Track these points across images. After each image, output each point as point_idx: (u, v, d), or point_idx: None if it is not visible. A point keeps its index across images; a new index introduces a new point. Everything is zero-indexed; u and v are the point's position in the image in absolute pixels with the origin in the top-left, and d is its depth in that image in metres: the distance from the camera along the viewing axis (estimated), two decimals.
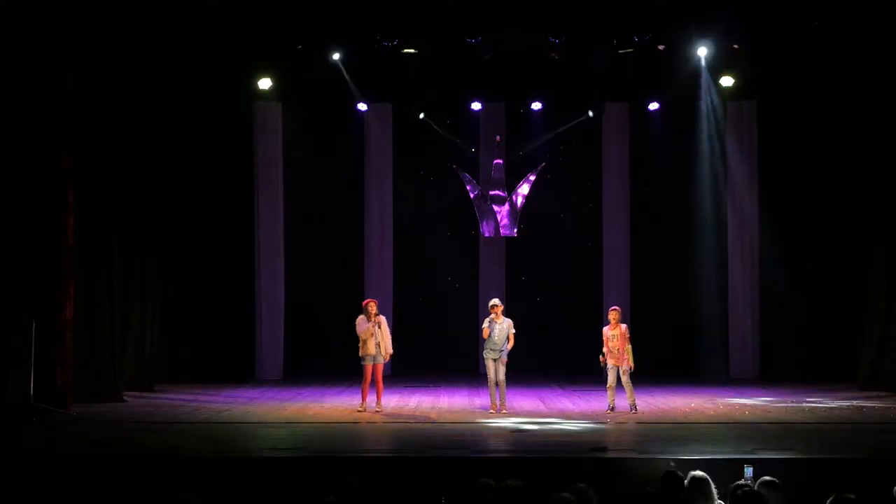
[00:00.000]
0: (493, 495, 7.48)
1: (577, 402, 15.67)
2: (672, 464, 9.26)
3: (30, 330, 13.67)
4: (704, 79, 18.50)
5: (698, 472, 7.70)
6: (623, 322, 14.28)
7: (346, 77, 18.52)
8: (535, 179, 19.22)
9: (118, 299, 16.16)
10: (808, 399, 15.80)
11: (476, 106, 20.12)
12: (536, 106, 19.99)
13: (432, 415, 14.21)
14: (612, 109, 20.42)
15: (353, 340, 14.36)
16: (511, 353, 14.29)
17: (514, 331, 14.18)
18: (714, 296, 19.97)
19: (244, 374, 18.93)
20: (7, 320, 13.70)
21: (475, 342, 18.45)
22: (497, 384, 14.19)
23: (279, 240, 20.02)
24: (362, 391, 14.39)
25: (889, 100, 16.59)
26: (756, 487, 7.63)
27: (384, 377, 14.88)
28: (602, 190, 20.63)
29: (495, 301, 14.37)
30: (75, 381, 14.37)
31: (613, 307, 14.48)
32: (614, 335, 14.06)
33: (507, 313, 14.43)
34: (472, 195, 19.34)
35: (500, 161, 19.21)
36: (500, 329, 14.12)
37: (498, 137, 19.59)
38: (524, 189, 19.21)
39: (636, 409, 14.02)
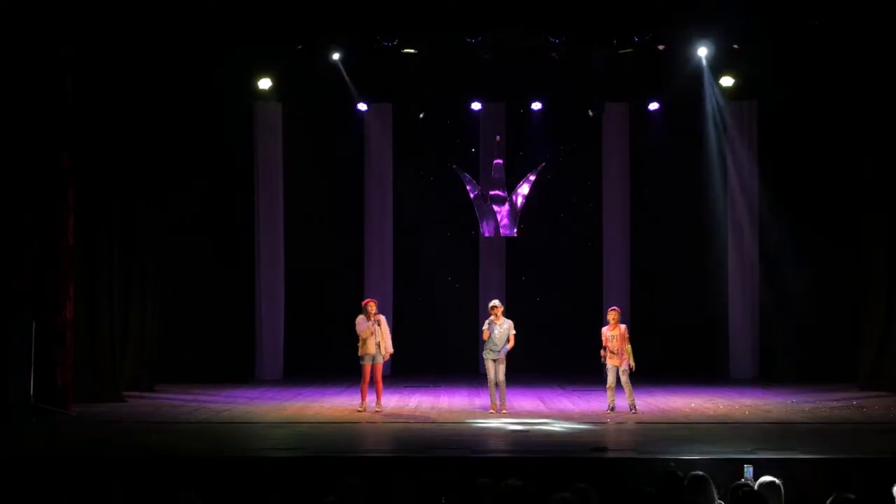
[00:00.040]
0: (493, 495, 7.48)
1: (577, 402, 15.67)
2: (672, 464, 9.25)
3: (30, 330, 13.68)
4: (707, 81, 18.47)
5: (698, 472, 7.70)
6: (622, 322, 14.28)
7: (346, 77, 18.52)
8: (535, 179, 19.21)
9: (118, 299, 16.17)
10: (808, 399, 15.79)
11: (476, 106, 20.13)
12: (536, 106, 20.00)
13: (432, 415, 14.21)
14: (612, 109, 20.43)
15: (354, 340, 14.36)
16: (511, 353, 14.29)
17: (514, 332, 14.18)
18: (714, 296, 19.97)
19: (244, 374, 18.93)
20: (7, 320, 13.71)
21: (475, 342, 18.45)
22: (497, 384, 14.20)
23: (279, 240, 20.02)
24: (361, 391, 14.39)
25: (889, 100, 16.59)
26: (756, 487, 7.63)
27: (384, 377, 14.88)
28: (602, 190, 20.63)
29: (495, 302, 14.37)
30: (75, 381, 14.38)
31: (613, 307, 14.48)
32: (613, 335, 14.06)
33: (507, 313, 14.43)
34: (472, 195, 19.34)
35: (500, 161, 19.21)
36: (500, 330, 14.12)
37: (498, 137, 19.59)
38: (524, 189, 19.20)
39: (635, 410, 14.02)
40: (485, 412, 14.21)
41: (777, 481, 7.76)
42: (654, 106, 19.90)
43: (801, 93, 18.13)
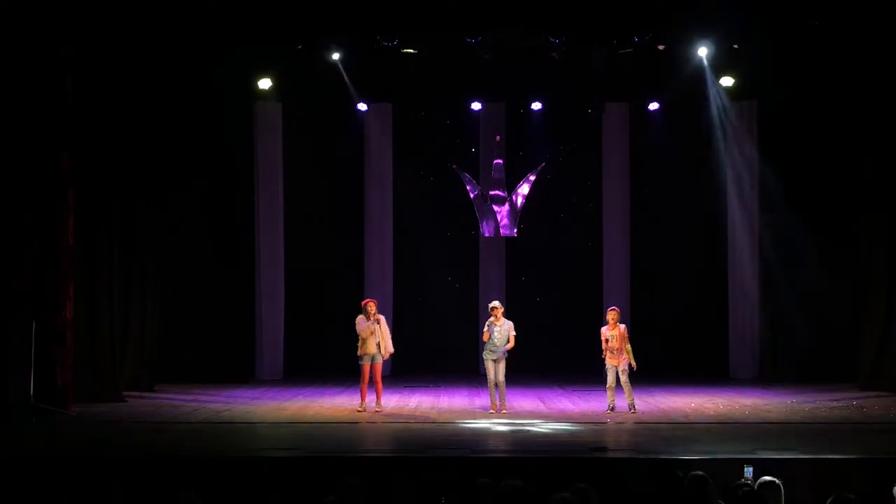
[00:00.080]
0: (493, 495, 7.49)
1: (577, 402, 15.67)
2: (680, 472, 9.20)
3: (30, 330, 13.67)
4: (711, 84, 18.44)
5: (698, 472, 7.70)
6: (622, 322, 14.28)
7: (346, 78, 18.51)
8: (535, 179, 19.21)
9: (118, 299, 16.16)
10: (808, 399, 15.79)
11: (476, 106, 20.13)
12: (536, 106, 20.01)
13: (432, 415, 14.21)
14: (612, 109, 20.44)
15: (353, 340, 14.35)
16: (511, 353, 14.28)
17: (514, 333, 14.17)
18: (714, 296, 19.97)
19: (244, 374, 18.92)
20: (7, 320, 13.71)
21: (475, 342, 18.45)
22: (497, 385, 14.19)
23: (279, 240, 20.02)
24: (361, 391, 14.39)
25: (889, 100, 16.59)
26: (756, 487, 7.64)
27: (383, 377, 14.88)
28: (602, 190, 20.64)
29: (495, 303, 14.37)
30: (75, 381, 14.37)
31: (612, 307, 14.48)
32: (613, 335, 14.06)
33: (507, 313, 14.42)
34: (472, 195, 19.34)
35: (500, 161, 19.21)
36: (499, 331, 14.12)
37: (498, 137, 19.59)
38: (524, 189, 19.20)
39: (634, 409, 14.02)
40: (485, 412, 14.21)
41: (777, 481, 7.76)
42: (654, 106, 19.91)
43: (801, 93, 18.13)
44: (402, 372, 19.07)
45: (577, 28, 17.11)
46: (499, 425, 13.01)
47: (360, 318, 14.21)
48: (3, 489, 9.47)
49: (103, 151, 15.57)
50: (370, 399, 14.43)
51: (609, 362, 14.08)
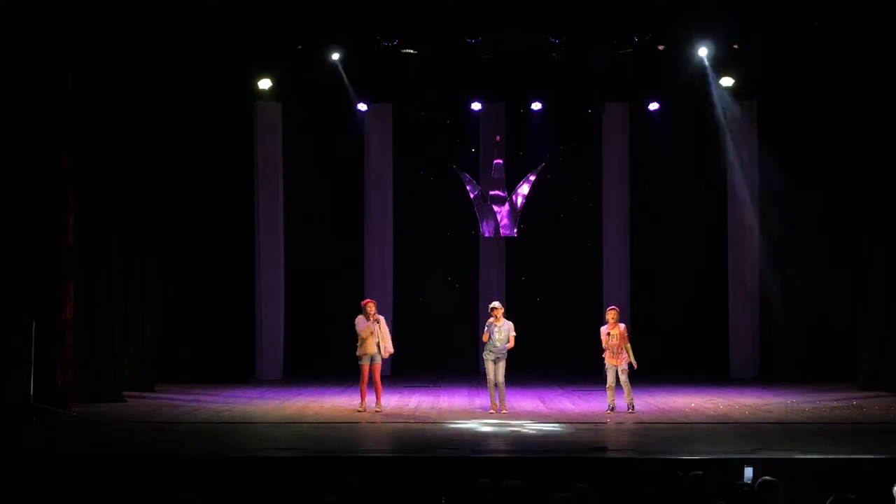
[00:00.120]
0: (493, 495, 7.49)
1: (577, 402, 15.67)
2: (677, 471, 9.19)
3: (30, 330, 13.67)
4: (712, 80, 18.42)
5: (698, 472, 7.69)
6: (621, 321, 14.28)
7: (345, 78, 18.51)
8: (535, 179, 19.21)
9: (118, 299, 16.16)
10: (808, 399, 15.79)
11: (476, 106, 20.13)
12: (536, 106, 20.01)
13: (432, 415, 14.20)
14: (612, 109, 20.44)
15: (354, 340, 14.34)
16: (511, 353, 14.27)
17: (514, 333, 14.16)
18: (714, 296, 19.97)
19: (244, 374, 18.92)
20: (7, 320, 13.70)
21: (475, 342, 18.45)
22: (496, 385, 14.19)
23: (279, 240, 20.01)
24: (361, 391, 14.39)
25: (889, 100, 16.59)
26: (756, 487, 7.64)
27: (383, 377, 14.89)
28: (602, 190, 20.64)
29: (495, 304, 14.36)
30: (75, 381, 14.37)
31: (612, 307, 14.48)
32: (613, 335, 14.06)
33: (507, 313, 14.41)
34: (472, 195, 19.33)
35: (500, 161, 19.21)
36: (499, 332, 14.11)
37: (498, 137, 19.59)
38: (524, 189, 19.19)
39: (633, 409, 14.03)
40: (485, 412, 14.21)
41: (777, 481, 7.76)
42: (654, 106, 19.91)
43: (801, 93, 18.13)
44: (402, 372, 19.07)
45: (577, 28, 17.11)
46: (499, 425, 13.01)
47: (360, 319, 14.21)
48: (3, 489, 9.47)
49: (103, 151, 15.56)
50: (370, 399, 14.43)
51: (609, 362, 14.08)
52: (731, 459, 9.97)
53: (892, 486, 7.86)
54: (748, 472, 8.81)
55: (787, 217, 18.84)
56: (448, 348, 20.26)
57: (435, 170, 20.58)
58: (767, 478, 7.82)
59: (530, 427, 12.88)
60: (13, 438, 11.87)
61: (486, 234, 19.61)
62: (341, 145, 20.34)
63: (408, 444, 11.87)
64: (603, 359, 14.18)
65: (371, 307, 14.25)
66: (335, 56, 17.93)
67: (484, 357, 14.34)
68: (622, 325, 14.15)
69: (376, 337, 14.16)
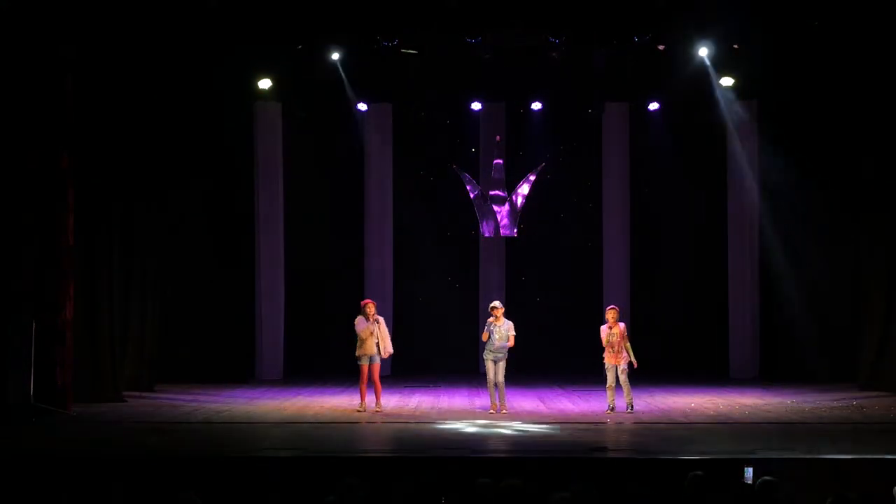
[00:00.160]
0: (493, 495, 7.49)
1: (577, 402, 15.67)
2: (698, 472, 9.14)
3: (30, 330, 13.67)
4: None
5: (698, 472, 7.70)
6: (621, 321, 14.28)
7: (345, 78, 18.50)
8: (535, 179, 19.20)
9: (118, 299, 16.16)
10: (808, 399, 15.79)
11: (476, 106, 20.13)
12: (536, 106, 20.01)
13: (432, 415, 14.20)
14: (612, 109, 20.44)
15: (354, 340, 14.33)
16: (511, 353, 14.26)
17: (514, 333, 14.15)
18: (714, 296, 19.97)
19: (244, 374, 18.92)
20: (7, 320, 13.71)
21: (475, 342, 18.45)
22: (496, 385, 14.19)
23: (279, 240, 20.01)
24: (360, 391, 14.39)
25: (889, 100, 16.59)
26: (756, 487, 7.64)
27: (383, 377, 14.89)
28: (602, 190, 20.64)
29: (496, 303, 14.36)
30: (75, 381, 14.37)
31: (611, 306, 14.48)
32: (613, 334, 14.06)
33: (507, 313, 14.39)
34: (472, 195, 19.32)
35: (500, 161, 19.21)
36: (499, 331, 14.10)
37: (498, 137, 19.59)
38: (524, 189, 19.19)
39: (632, 409, 14.04)
40: (485, 412, 14.20)
41: (776, 481, 7.77)
42: (654, 106, 19.91)
43: (801, 93, 18.13)
44: (402, 372, 19.06)
45: (577, 28, 17.11)
46: (499, 425, 13.01)
47: (360, 319, 14.22)
48: (3, 489, 9.47)
49: (103, 151, 15.56)
50: (370, 399, 14.43)
51: (609, 362, 14.08)
52: (731, 459, 9.96)
53: (892, 487, 7.85)
54: (748, 472, 8.81)
55: (787, 217, 18.84)
56: (448, 348, 20.26)
57: (435, 170, 20.58)
58: (767, 478, 7.83)
59: (530, 427, 12.88)
60: (13, 438, 11.87)
61: (486, 234, 19.61)
62: (341, 145, 20.34)
63: (408, 444, 11.87)
64: (603, 359, 14.18)
65: (371, 307, 14.25)
66: (335, 56, 17.93)
67: (484, 357, 14.33)
68: (622, 325, 14.15)
69: (376, 337, 14.17)
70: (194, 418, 13.87)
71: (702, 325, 20.08)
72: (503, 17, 16.77)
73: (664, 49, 17.65)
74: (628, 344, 14.09)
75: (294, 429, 13.04)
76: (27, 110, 14.01)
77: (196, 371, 18.24)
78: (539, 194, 19.63)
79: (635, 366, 14.07)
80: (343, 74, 18.44)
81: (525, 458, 10.60)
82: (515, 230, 19.35)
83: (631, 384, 14.17)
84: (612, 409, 14.09)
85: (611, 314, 14.18)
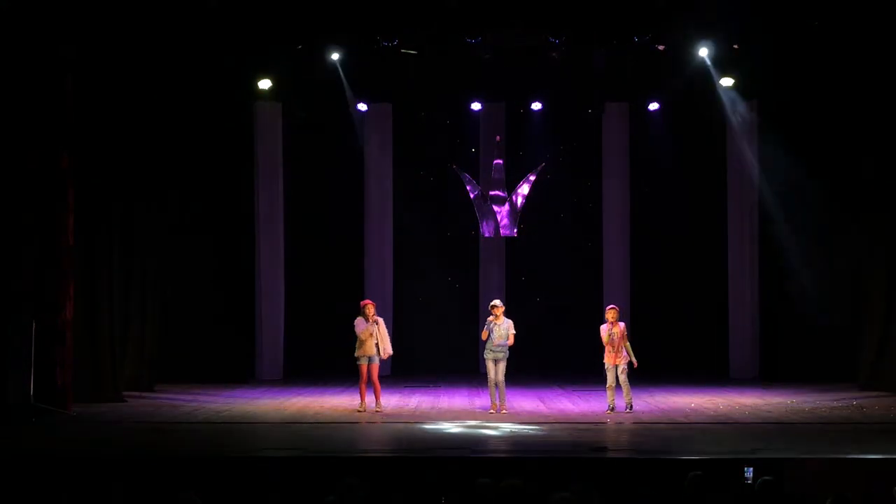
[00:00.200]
0: (493, 495, 7.49)
1: (577, 402, 15.67)
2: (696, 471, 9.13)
3: (30, 330, 13.67)
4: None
5: (698, 472, 7.70)
6: (621, 321, 14.28)
7: (344, 79, 18.50)
8: (535, 179, 19.20)
9: (118, 299, 16.16)
10: (808, 399, 15.79)
11: (476, 106, 20.14)
12: (536, 106, 20.02)
13: (432, 415, 14.20)
14: (612, 109, 20.45)
15: (354, 340, 14.33)
16: (511, 353, 14.26)
17: (514, 331, 14.16)
18: (714, 296, 19.97)
19: (244, 374, 18.92)
20: (7, 320, 13.70)
21: (475, 342, 18.45)
22: (497, 385, 14.19)
23: (279, 240, 20.02)
24: (360, 391, 14.40)
25: (889, 100, 16.59)
26: (756, 487, 7.64)
27: (382, 377, 14.90)
28: (602, 190, 20.65)
29: (496, 302, 14.35)
30: (75, 381, 14.37)
31: (611, 306, 14.48)
32: (613, 333, 14.06)
33: (507, 313, 14.39)
34: (472, 195, 19.32)
35: (500, 161, 19.21)
36: (499, 330, 14.10)
37: (498, 137, 19.59)
38: (524, 189, 19.19)
39: (631, 409, 14.05)
40: (485, 412, 14.20)
41: (776, 481, 7.77)
42: (654, 106, 19.92)
43: (801, 93, 18.12)
44: (402, 372, 19.06)
45: (577, 28, 17.10)
46: (499, 425, 13.01)
47: (359, 320, 14.22)
48: (3, 489, 9.47)
49: (103, 151, 15.56)
50: (370, 399, 14.43)
51: (608, 362, 14.08)
52: (731, 459, 9.96)
53: (892, 487, 7.85)
54: (748, 472, 8.80)
55: (787, 217, 18.83)
56: (448, 348, 20.26)
57: (435, 170, 20.59)
58: (767, 478, 7.83)
59: (530, 427, 12.88)
60: (13, 438, 11.87)
61: (486, 234, 19.61)
62: (341, 145, 20.32)
63: (408, 444, 11.87)
64: (603, 360, 14.19)
65: (370, 308, 14.25)
66: (335, 56, 17.92)
67: (485, 356, 14.33)
68: (622, 324, 14.15)
69: (375, 338, 14.17)
70: (194, 418, 13.87)
71: (702, 325, 20.07)
72: (503, 17, 16.76)
73: (664, 49, 17.64)
74: (628, 344, 14.09)
75: (294, 429, 13.04)
76: (27, 110, 14.00)
77: (196, 371, 18.24)
78: (539, 194, 19.63)
79: (635, 365, 14.08)
80: (343, 74, 18.44)
81: (525, 458, 10.59)
82: (515, 230, 19.35)
83: (631, 384, 14.18)
84: (612, 409, 14.09)
85: (611, 314, 14.18)
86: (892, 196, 16.83)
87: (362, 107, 19.90)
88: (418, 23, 16.83)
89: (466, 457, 10.53)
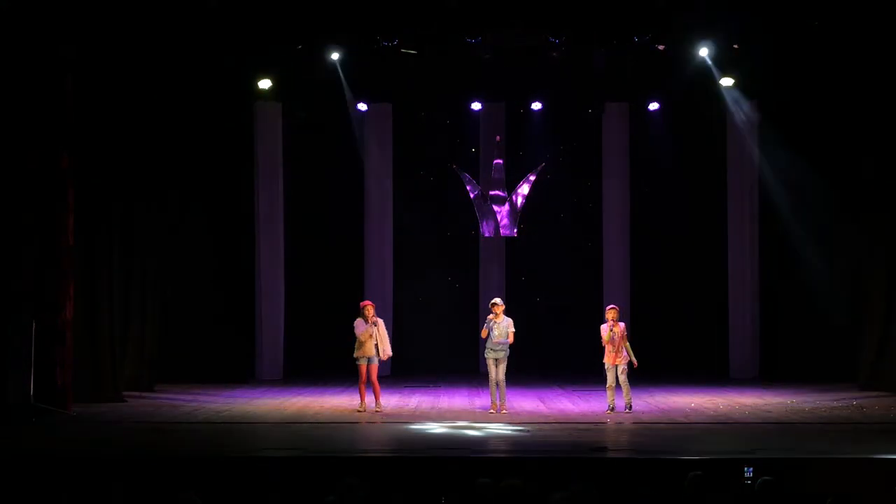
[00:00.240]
0: (493, 495, 7.49)
1: (577, 402, 15.67)
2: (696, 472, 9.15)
3: (30, 330, 13.67)
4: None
5: (698, 472, 7.70)
6: (621, 321, 14.28)
7: (344, 79, 18.50)
8: (535, 179, 19.20)
9: (118, 299, 16.16)
10: (808, 399, 15.79)
11: (476, 106, 20.14)
12: (536, 106, 20.02)
13: (432, 415, 14.20)
14: (612, 109, 20.45)
15: (354, 341, 14.33)
16: (511, 353, 14.26)
17: (513, 329, 14.16)
18: (714, 296, 19.97)
19: (244, 374, 18.92)
20: (7, 320, 13.71)
21: (475, 342, 18.44)
22: (497, 384, 14.19)
23: (279, 240, 20.01)
24: (360, 392, 14.40)
25: (889, 100, 16.59)
26: (756, 487, 7.64)
27: (383, 377, 14.92)
28: (602, 190, 20.65)
29: (496, 300, 14.35)
30: (75, 381, 14.37)
31: (611, 306, 14.49)
32: (613, 333, 14.06)
33: (506, 313, 14.38)
34: (472, 195, 19.31)
35: (500, 161, 19.20)
36: (499, 329, 14.11)
37: (498, 137, 19.58)
38: (524, 189, 19.18)
39: (630, 409, 14.05)
40: (485, 412, 14.20)
41: (776, 481, 7.77)
42: (654, 106, 19.92)
43: (801, 93, 18.12)
44: (402, 372, 19.06)
45: (577, 28, 17.09)
46: (499, 425, 13.01)
47: (359, 321, 14.22)
48: (3, 489, 9.47)
49: (103, 151, 15.56)
50: (369, 399, 14.44)
51: (608, 362, 14.08)
52: (731, 459, 9.96)
53: (892, 487, 7.86)
54: (748, 472, 8.80)
55: (787, 217, 18.83)
56: (448, 348, 20.24)
57: (435, 170, 20.59)
58: (767, 478, 7.83)
59: (530, 427, 12.87)
60: (13, 438, 11.87)
61: (486, 234, 19.61)
62: (341, 145, 20.32)
63: (408, 444, 11.87)
64: (603, 360, 14.19)
65: (369, 309, 14.25)
66: (335, 56, 17.91)
67: (486, 356, 14.34)
68: (622, 324, 14.16)
69: (375, 339, 14.18)
70: (194, 418, 13.87)
71: (702, 325, 20.07)
72: (503, 17, 16.76)
73: (664, 49, 17.63)
74: (627, 344, 14.10)
75: (294, 429, 13.04)
76: (27, 110, 14.01)
77: (196, 371, 18.24)
78: (539, 194, 19.62)
79: (635, 365, 14.09)
80: (342, 74, 18.44)
81: (525, 458, 10.59)
82: (515, 230, 19.35)
83: (630, 384, 14.18)
84: (613, 409, 14.10)
85: (611, 313, 14.18)
86: (892, 196, 16.83)
87: (362, 107, 19.90)
88: (418, 23, 16.82)
89: (466, 457, 10.53)
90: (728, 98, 18.83)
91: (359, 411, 14.26)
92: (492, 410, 14.18)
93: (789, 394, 16.42)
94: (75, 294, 14.53)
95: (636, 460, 10.43)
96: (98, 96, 15.23)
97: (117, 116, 15.84)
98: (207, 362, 18.40)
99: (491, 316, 14.18)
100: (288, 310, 20.04)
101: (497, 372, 14.14)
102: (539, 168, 19.29)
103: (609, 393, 14.14)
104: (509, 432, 12.54)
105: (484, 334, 14.20)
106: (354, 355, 14.24)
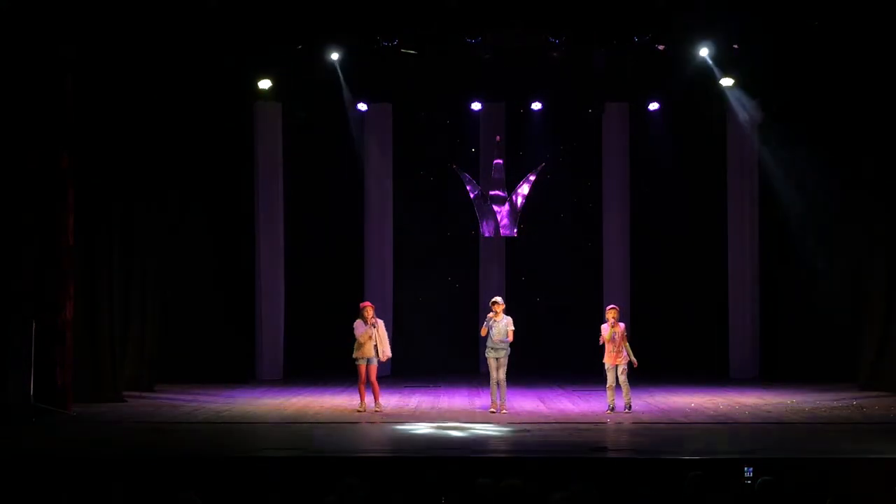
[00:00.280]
0: (493, 495, 7.49)
1: (577, 402, 15.67)
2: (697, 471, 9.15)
3: (30, 330, 13.67)
4: (733, 96, 18.43)
5: (698, 472, 7.70)
6: (621, 321, 14.28)
7: (343, 79, 18.50)
8: (535, 179, 19.19)
9: (118, 299, 16.16)
10: (808, 399, 15.79)
11: (476, 106, 20.14)
12: (536, 106, 20.02)
13: (432, 415, 14.20)
14: (612, 109, 20.45)
15: (354, 341, 14.34)
16: (511, 353, 14.26)
17: (512, 328, 14.16)
18: (714, 296, 19.97)
19: (244, 374, 18.92)
20: (7, 320, 13.71)
21: (475, 342, 18.45)
22: (498, 383, 14.19)
23: (279, 240, 20.01)
24: (360, 392, 14.41)
25: (889, 100, 16.59)
26: (756, 487, 7.64)
27: (383, 377, 14.92)
28: (602, 190, 20.65)
29: (496, 299, 14.36)
30: (75, 381, 14.38)
31: (612, 306, 14.49)
32: (613, 333, 14.06)
33: (506, 313, 14.37)
34: (472, 195, 19.30)
35: (500, 161, 19.20)
36: (498, 327, 14.11)
37: (498, 137, 19.58)
38: (524, 189, 19.17)
39: (630, 409, 14.05)
40: (485, 412, 14.21)
41: (776, 481, 7.77)
42: (654, 106, 19.92)
43: (801, 92, 18.12)
44: (402, 372, 19.05)
45: (577, 28, 17.09)
46: (499, 425, 13.01)
47: (359, 323, 14.22)
48: (3, 489, 9.47)
49: (103, 151, 15.57)
50: (369, 399, 14.44)
51: (608, 362, 14.08)
52: (731, 459, 9.96)
53: (892, 487, 7.86)
54: (748, 472, 8.81)
55: (788, 217, 18.83)
56: (448, 348, 20.24)
57: (435, 170, 20.58)
58: (767, 478, 7.83)
59: (530, 427, 12.87)
60: (13, 438, 11.87)
61: (486, 234, 19.59)
62: (341, 145, 20.31)
63: (408, 444, 11.87)
64: (603, 360, 14.19)
65: (369, 311, 14.25)
66: (335, 56, 17.90)
67: (486, 355, 14.34)
68: (622, 325, 14.16)
69: (374, 341, 14.18)
70: (194, 418, 13.88)
71: (702, 325, 20.07)
72: (503, 17, 16.75)
73: (664, 49, 17.63)
74: (627, 344, 14.10)
75: (294, 429, 13.05)
76: (27, 110, 14.01)
77: (196, 371, 18.24)
78: (539, 194, 19.61)
79: (635, 365, 14.09)
80: (342, 74, 18.43)
81: (525, 458, 10.60)
82: (515, 230, 19.33)
83: (630, 384, 14.19)
84: (613, 409, 14.10)
85: (611, 313, 14.19)
86: (892, 196, 16.83)
87: (362, 107, 19.90)
88: (418, 23, 16.82)
89: (466, 457, 10.54)
90: (731, 98, 18.82)
91: (359, 411, 14.27)
92: (492, 410, 14.18)
93: (789, 394, 16.42)
94: (75, 294, 14.53)
95: (636, 460, 10.43)
96: (98, 96, 15.24)
97: (117, 116, 15.84)
98: (207, 362, 18.40)
99: (491, 314, 14.18)
100: (288, 310, 20.04)
101: (498, 372, 14.14)
102: (539, 168, 19.27)
103: (609, 393, 14.15)
104: (509, 432, 12.54)
105: (483, 332, 14.21)
106: (354, 356, 14.25)
